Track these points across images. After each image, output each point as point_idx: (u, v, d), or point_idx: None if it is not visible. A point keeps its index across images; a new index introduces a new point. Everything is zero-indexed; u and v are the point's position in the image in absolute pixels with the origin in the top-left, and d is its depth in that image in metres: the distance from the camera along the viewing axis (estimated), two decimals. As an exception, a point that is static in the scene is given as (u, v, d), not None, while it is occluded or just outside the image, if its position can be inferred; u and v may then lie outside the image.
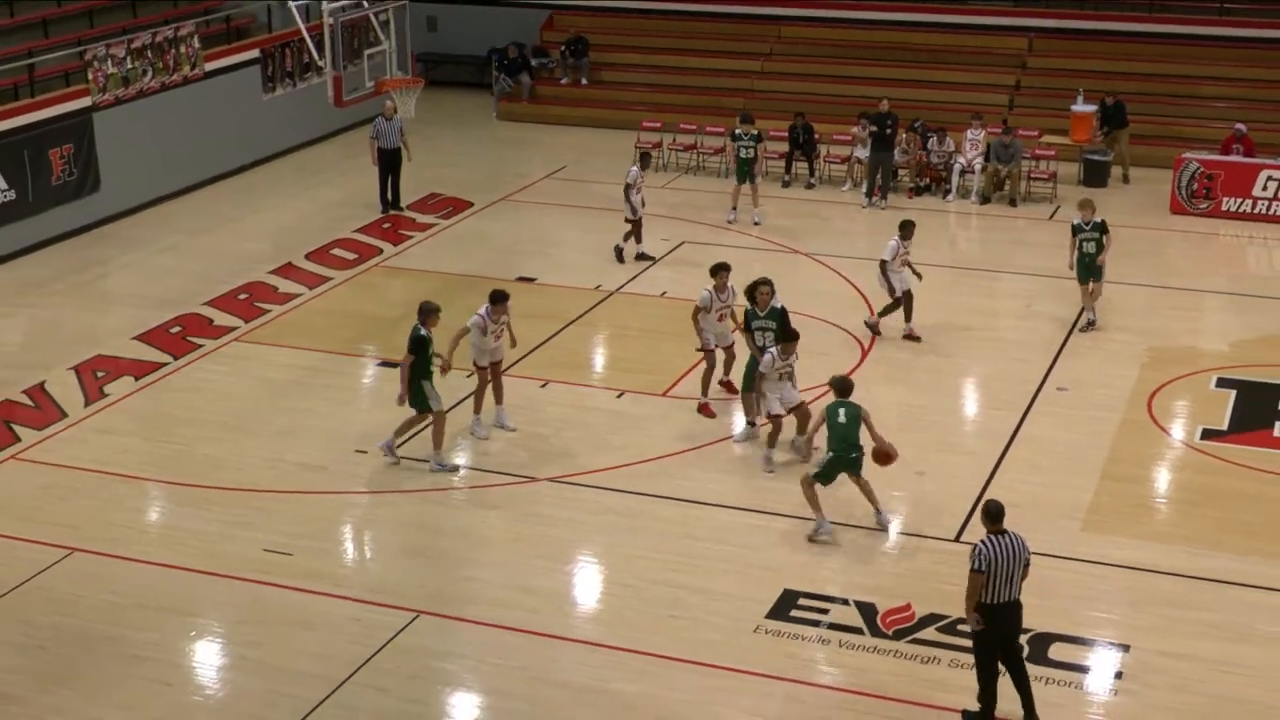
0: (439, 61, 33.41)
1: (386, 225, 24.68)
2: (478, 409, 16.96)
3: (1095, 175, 26.06)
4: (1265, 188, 24.42)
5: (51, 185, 23.57)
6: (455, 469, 16.26)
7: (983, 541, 11.52)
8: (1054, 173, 25.71)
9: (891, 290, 19.19)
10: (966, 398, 18.56)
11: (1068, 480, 15.84)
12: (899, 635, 13.10)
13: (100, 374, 18.82)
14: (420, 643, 13.12)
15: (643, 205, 22.39)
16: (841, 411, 14.61)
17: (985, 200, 25.46)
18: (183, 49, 25.79)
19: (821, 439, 14.96)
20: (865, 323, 19.65)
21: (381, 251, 23.46)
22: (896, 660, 12.79)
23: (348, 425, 17.23)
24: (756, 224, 24.26)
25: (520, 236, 24.25)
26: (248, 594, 13.93)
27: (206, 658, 13.15)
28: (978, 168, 25.45)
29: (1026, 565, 11.59)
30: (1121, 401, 17.66)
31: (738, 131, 24.54)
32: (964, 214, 25.29)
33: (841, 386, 14.87)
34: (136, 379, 18.70)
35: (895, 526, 14.92)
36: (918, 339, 19.36)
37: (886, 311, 19.41)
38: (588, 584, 14.35)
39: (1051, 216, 24.72)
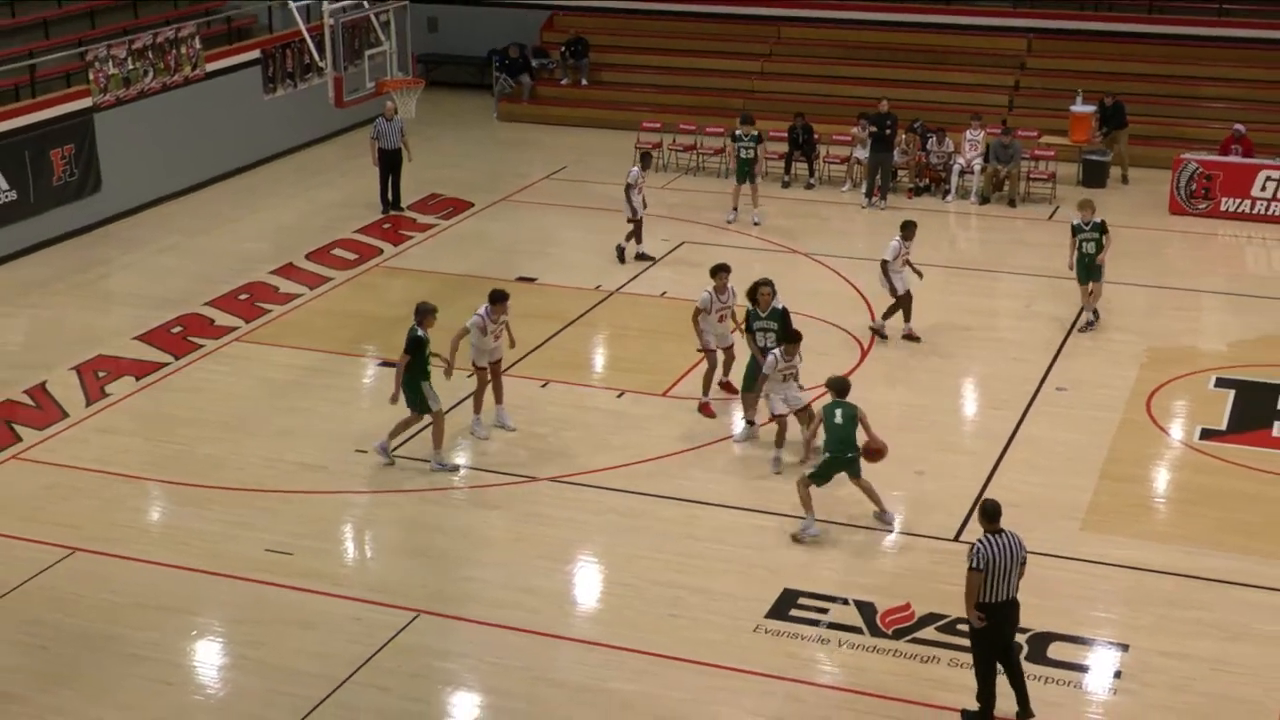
0: (439, 62, 33.45)
1: (387, 225, 24.72)
2: (478, 409, 16.98)
3: (1094, 176, 26.09)
4: (1264, 188, 24.44)
5: (53, 185, 23.60)
6: (456, 469, 16.29)
7: (980, 540, 11.55)
8: (1053, 173, 25.73)
9: (893, 291, 19.20)
10: (966, 398, 18.59)
11: (1067, 480, 15.87)
12: (898, 634, 13.13)
13: (101, 374, 18.86)
14: (421, 642, 13.15)
15: (644, 205, 22.42)
16: (839, 412, 14.63)
17: (984, 201, 25.49)
18: (184, 50, 25.82)
19: (821, 439, 14.99)
20: (870, 327, 19.60)
21: (382, 252, 23.49)
22: (896, 659, 12.82)
23: (348, 425, 17.26)
24: (756, 224, 24.28)
25: (520, 237, 24.27)
26: (248, 593, 13.96)
27: (207, 657, 13.19)
28: (977, 168, 25.47)
29: (1023, 564, 11.62)
30: (1120, 401, 17.69)
31: (738, 133, 24.56)
32: (963, 214, 25.32)
33: (839, 387, 14.87)
34: (137, 379, 18.73)
35: (896, 525, 14.93)
36: (917, 339, 19.39)
37: (890, 313, 19.41)
38: (588, 583, 14.38)
39: (1050, 217, 24.75)
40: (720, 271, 17.25)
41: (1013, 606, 11.64)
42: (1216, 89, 28.69)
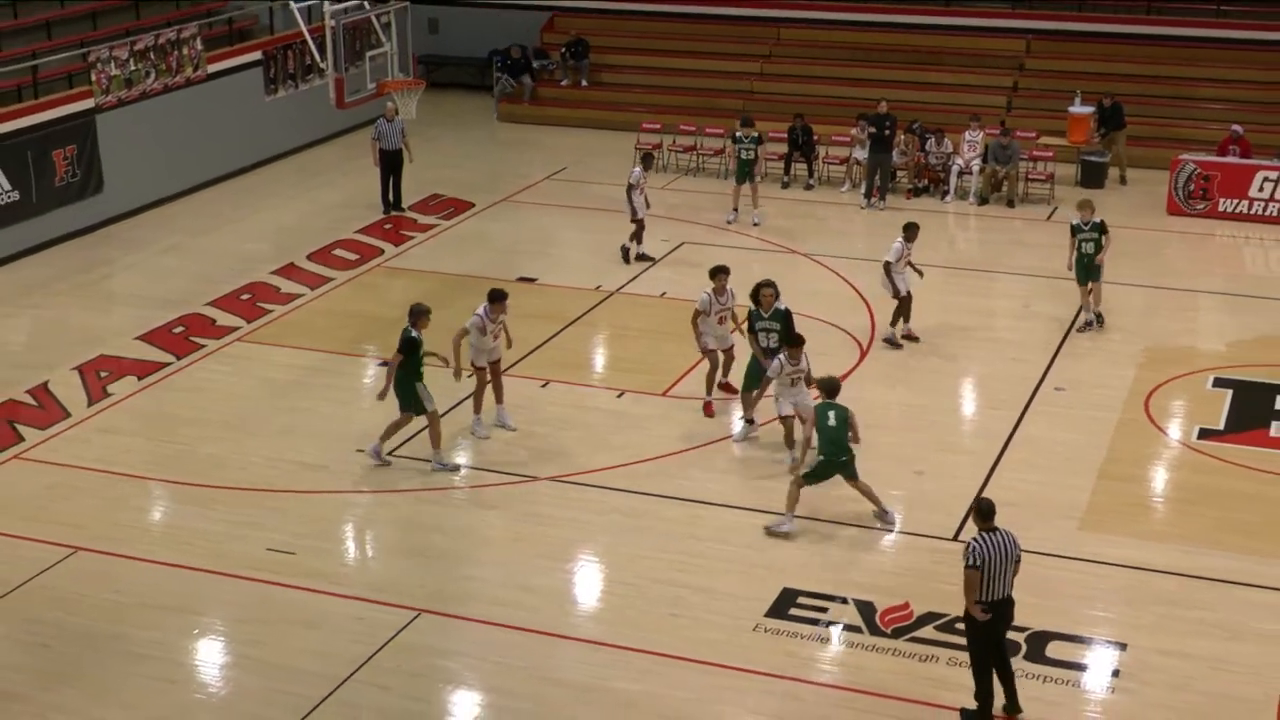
0: (440, 63, 33.49)
1: (388, 226, 24.76)
2: (477, 409, 17.02)
3: (1092, 176, 26.13)
4: (1261, 189, 24.48)
5: (55, 186, 23.64)
6: (456, 468, 16.33)
7: (975, 539, 11.61)
8: (1051, 174, 25.76)
9: (895, 292, 19.19)
10: (964, 397, 18.64)
11: (1065, 480, 15.91)
12: (897, 633, 13.18)
13: (103, 374, 18.90)
14: (422, 641, 13.19)
15: (646, 206, 22.47)
16: (831, 414, 14.64)
17: (983, 201, 25.53)
18: (185, 51, 25.87)
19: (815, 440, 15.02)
20: (884, 340, 19.34)
21: (383, 252, 23.54)
22: (895, 658, 12.86)
23: (349, 425, 17.30)
24: (756, 225, 24.33)
25: (521, 237, 24.32)
26: (249, 593, 14.00)
27: (209, 656, 13.23)
28: (975, 169, 25.52)
29: (1017, 562, 11.66)
30: (1119, 401, 17.74)
31: (738, 134, 24.61)
32: (962, 215, 25.36)
33: (829, 387, 14.89)
34: (139, 379, 18.78)
35: (897, 524, 14.97)
36: (916, 339, 19.43)
37: (896, 319, 19.37)
38: (588, 583, 14.42)
39: (1049, 217, 24.80)
40: (719, 273, 17.28)
41: (1008, 604, 11.69)
42: (1214, 90, 28.73)
